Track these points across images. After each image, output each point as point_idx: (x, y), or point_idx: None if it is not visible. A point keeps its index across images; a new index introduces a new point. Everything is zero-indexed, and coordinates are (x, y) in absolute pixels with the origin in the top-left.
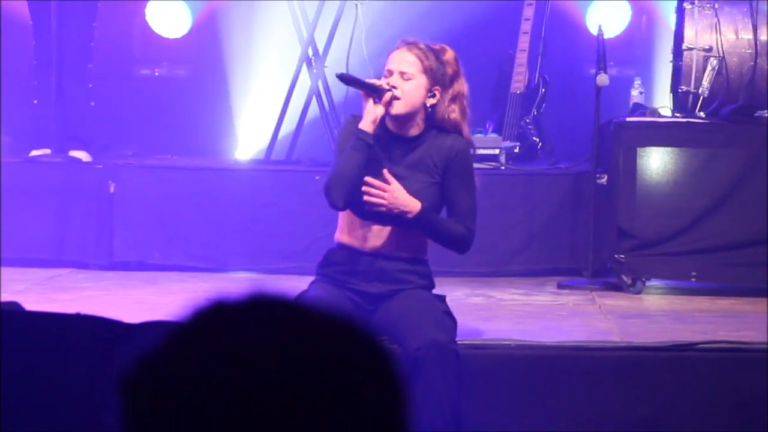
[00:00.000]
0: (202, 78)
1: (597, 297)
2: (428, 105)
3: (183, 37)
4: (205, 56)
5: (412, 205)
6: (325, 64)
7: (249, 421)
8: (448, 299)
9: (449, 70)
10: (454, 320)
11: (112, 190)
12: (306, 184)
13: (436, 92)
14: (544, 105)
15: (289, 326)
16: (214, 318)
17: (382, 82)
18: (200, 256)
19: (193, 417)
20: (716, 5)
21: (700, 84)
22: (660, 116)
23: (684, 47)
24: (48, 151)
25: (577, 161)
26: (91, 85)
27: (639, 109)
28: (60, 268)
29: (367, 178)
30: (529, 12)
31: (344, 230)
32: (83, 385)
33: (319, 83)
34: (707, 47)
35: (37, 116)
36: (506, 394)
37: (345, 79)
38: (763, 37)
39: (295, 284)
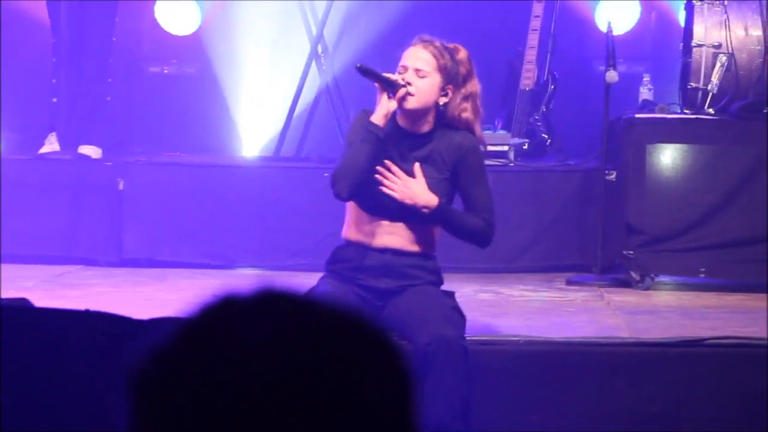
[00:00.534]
0: (211, 75)
1: (605, 293)
2: (441, 103)
3: (192, 34)
4: (214, 54)
5: (430, 199)
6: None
7: (258, 417)
8: (457, 295)
9: (462, 70)
10: (462, 316)
11: (121, 187)
12: (315, 181)
13: (449, 91)
14: (553, 102)
15: (297, 322)
16: (223, 314)
17: (398, 77)
18: (209, 252)
19: (202, 413)
20: (726, 2)
21: (710, 81)
22: (669, 113)
23: (693, 44)
24: (56, 147)
25: (586, 158)
26: (110, 80)
27: (648, 105)
28: (69, 265)
29: (386, 164)
30: (538, 9)
31: (351, 226)
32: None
33: (329, 80)
34: (716, 44)
35: (55, 114)
36: (515, 389)
37: (363, 70)
38: None
39: (304, 281)
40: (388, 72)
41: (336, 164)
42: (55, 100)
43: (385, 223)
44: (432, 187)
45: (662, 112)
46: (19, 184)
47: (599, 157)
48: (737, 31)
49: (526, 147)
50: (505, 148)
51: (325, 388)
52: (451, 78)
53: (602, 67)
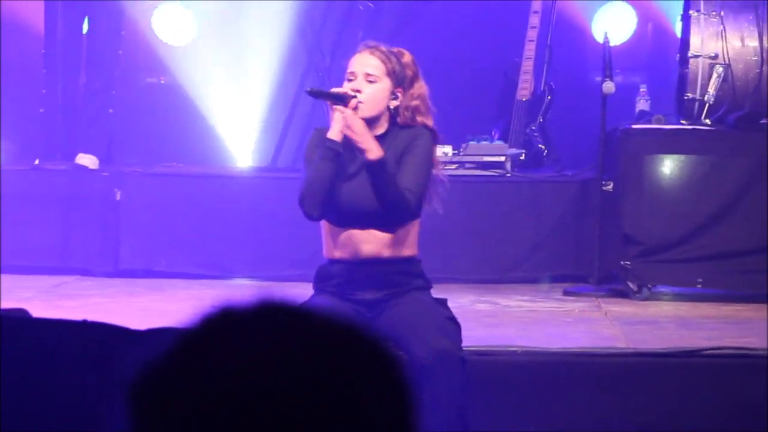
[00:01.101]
0: (206, 86)
1: (603, 303)
2: (391, 107)
3: (188, 44)
4: (210, 64)
5: (377, 147)
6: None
7: (256, 428)
8: (454, 306)
9: (409, 72)
10: (458, 325)
11: (118, 197)
12: None
13: (399, 94)
14: (550, 112)
15: (295, 333)
16: (220, 325)
17: (346, 89)
18: (206, 263)
19: (200, 424)
20: (722, 13)
21: (706, 91)
22: (666, 123)
23: (690, 54)
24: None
25: (583, 169)
26: (114, 92)
27: (645, 116)
28: (66, 276)
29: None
30: (535, 20)
31: (328, 243)
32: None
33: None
34: (713, 55)
35: (43, 125)
36: (512, 400)
37: (314, 93)
38: None
39: (301, 292)
40: (335, 87)
41: (301, 187)
42: (42, 110)
43: (356, 232)
44: None
45: (659, 123)
46: (17, 195)
47: (596, 167)
48: (734, 42)
49: (522, 158)
50: (502, 158)
51: (324, 399)
52: (400, 81)
53: (599, 78)
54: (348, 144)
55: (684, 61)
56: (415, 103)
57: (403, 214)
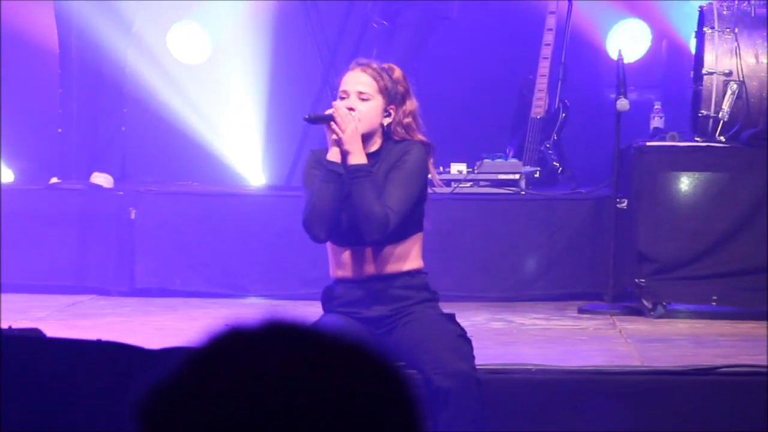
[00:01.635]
0: (222, 103)
1: (617, 321)
2: (385, 124)
3: (203, 63)
4: (225, 82)
5: (361, 155)
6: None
7: None
8: (468, 324)
9: (401, 88)
10: (469, 342)
11: (133, 216)
12: None
13: (391, 111)
14: (564, 130)
15: (304, 352)
16: (228, 344)
17: (339, 108)
18: (221, 282)
19: None
20: (736, 30)
21: (720, 108)
22: (680, 141)
23: (704, 72)
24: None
25: (598, 186)
26: (125, 110)
27: (659, 133)
28: (81, 295)
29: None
30: (549, 37)
31: (333, 264)
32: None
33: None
34: (727, 72)
35: (61, 144)
36: (527, 418)
37: (312, 119)
38: None
39: (316, 311)
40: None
41: (304, 211)
42: (60, 130)
43: (358, 250)
44: None
45: (673, 140)
46: (32, 214)
47: (610, 185)
48: (748, 59)
49: (537, 175)
50: (517, 176)
51: (332, 418)
52: (392, 98)
53: (613, 95)
54: (342, 159)
55: (698, 78)
56: (407, 120)
57: (381, 232)
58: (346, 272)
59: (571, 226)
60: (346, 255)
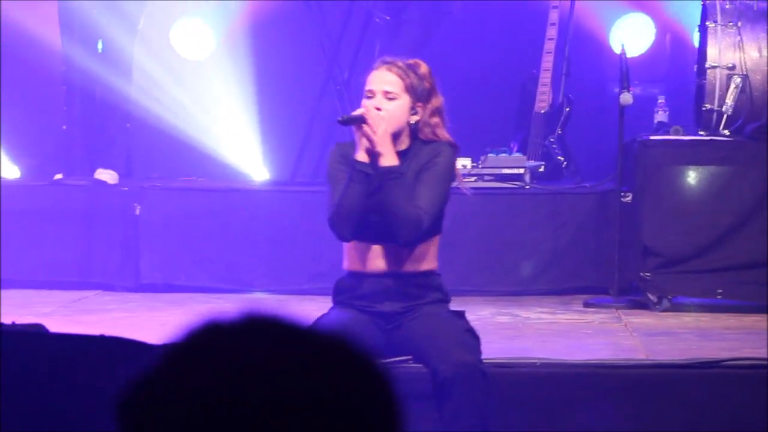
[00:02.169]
0: (226, 99)
1: (623, 315)
2: (412, 122)
3: (207, 58)
4: (228, 78)
5: (393, 156)
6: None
7: None
8: (473, 318)
9: (427, 85)
10: (477, 337)
11: (137, 212)
12: None
13: (419, 109)
14: (568, 124)
15: (281, 347)
16: (206, 338)
17: (367, 108)
18: (226, 277)
19: None
20: (739, 23)
21: (724, 102)
22: (684, 134)
23: (707, 65)
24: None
25: (602, 180)
26: (130, 107)
27: (663, 127)
28: (86, 291)
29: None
30: (552, 32)
31: (348, 256)
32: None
33: (345, 103)
34: (730, 65)
35: (65, 140)
36: (532, 412)
37: (344, 121)
38: None
39: (320, 305)
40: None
41: (330, 209)
42: (65, 127)
43: (377, 247)
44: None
45: (677, 134)
46: (37, 210)
47: (615, 179)
48: (751, 53)
49: (541, 170)
50: (521, 170)
51: (310, 413)
52: (419, 96)
53: (617, 90)
54: (375, 163)
55: (701, 72)
56: (434, 119)
57: (414, 233)
58: (363, 266)
59: (575, 220)
60: (366, 251)
